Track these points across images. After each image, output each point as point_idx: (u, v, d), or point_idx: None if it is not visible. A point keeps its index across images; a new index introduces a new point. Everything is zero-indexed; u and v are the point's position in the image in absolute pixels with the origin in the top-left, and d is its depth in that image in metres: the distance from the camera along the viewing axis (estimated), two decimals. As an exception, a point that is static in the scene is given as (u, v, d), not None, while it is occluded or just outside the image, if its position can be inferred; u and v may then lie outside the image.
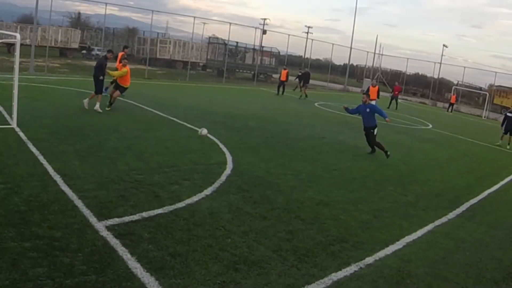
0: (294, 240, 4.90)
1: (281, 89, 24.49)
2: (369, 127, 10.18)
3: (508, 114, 15.37)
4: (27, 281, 3.41)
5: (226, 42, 34.09)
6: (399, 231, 5.64)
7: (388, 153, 9.83)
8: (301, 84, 24.96)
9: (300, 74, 25.72)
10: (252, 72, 35.49)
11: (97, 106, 11.25)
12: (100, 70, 11.46)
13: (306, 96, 24.01)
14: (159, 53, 37.28)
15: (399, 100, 26.34)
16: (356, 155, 10.21)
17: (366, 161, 9.69)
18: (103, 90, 12.62)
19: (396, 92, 25.64)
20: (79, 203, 5.06)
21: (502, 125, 15.75)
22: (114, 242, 4.24)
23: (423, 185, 8.23)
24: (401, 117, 20.99)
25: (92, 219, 4.68)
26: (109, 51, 12.36)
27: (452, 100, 32.00)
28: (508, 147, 15.18)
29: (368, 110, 10.12)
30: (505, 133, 15.31)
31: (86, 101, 11.49)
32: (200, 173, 6.95)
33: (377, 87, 19.80)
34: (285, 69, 24.98)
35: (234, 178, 6.92)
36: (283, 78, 24.54)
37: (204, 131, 9.20)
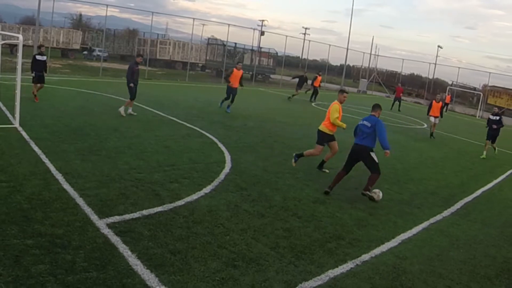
0: (291, 237, 4.98)
1: (313, 95, 23.28)
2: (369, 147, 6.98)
3: (491, 117, 13.26)
4: (30, 277, 3.46)
5: (224, 43, 34.13)
6: (394, 228, 5.73)
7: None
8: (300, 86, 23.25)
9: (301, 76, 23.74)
10: (250, 73, 35.54)
11: (121, 109, 11.22)
12: (130, 76, 11.35)
13: (290, 97, 22.56)
14: (159, 53, 37.37)
15: (402, 102, 25.91)
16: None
17: (363, 160, 9.77)
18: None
19: (400, 94, 25.42)
20: (80, 201, 5.14)
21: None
22: (115, 239, 4.31)
23: (418, 184, 8.32)
24: (397, 116, 21.11)
25: (93, 217, 4.75)
26: (138, 55, 12.18)
27: (447, 100, 32.08)
28: (495, 152, 13.29)
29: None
30: (488, 138, 12.96)
31: (121, 109, 11.31)
32: (199, 171, 7.02)
33: (441, 103, 15.76)
34: (320, 75, 23.95)
35: (232, 176, 7.00)
36: (317, 84, 23.44)
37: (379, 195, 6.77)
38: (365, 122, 6.95)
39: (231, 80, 14.48)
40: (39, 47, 12.39)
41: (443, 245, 5.42)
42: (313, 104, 21.99)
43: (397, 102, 25.07)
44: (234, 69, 14.64)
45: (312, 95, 23.48)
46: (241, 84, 14.67)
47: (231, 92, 14.44)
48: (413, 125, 18.78)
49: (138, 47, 40.87)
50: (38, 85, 11.91)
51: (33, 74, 11.81)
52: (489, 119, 13.31)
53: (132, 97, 11.41)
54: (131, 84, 11.34)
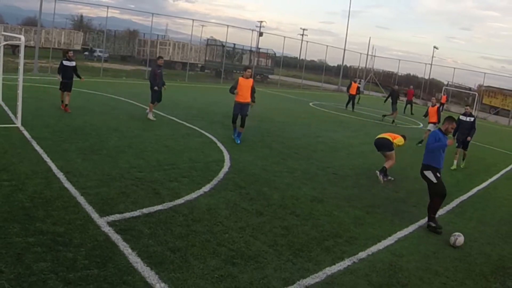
0: (289, 235, 5.04)
1: (350, 104, 20.99)
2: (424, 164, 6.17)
3: (462, 118, 10.50)
4: (31, 275, 3.51)
5: (223, 43, 34.17)
6: (391, 226, 5.79)
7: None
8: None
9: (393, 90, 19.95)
10: (250, 73, 35.46)
11: (150, 115, 11.28)
12: (153, 79, 11.32)
13: (393, 121, 18.40)
14: (159, 54, 37.34)
15: (413, 104, 25.08)
16: (349, 153, 10.39)
17: (360, 159, 9.85)
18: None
19: (411, 96, 24.89)
20: (81, 199, 5.20)
21: (454, 134, 10.26)
22: (116, 237, 4.36)
23: (414, 182, 8.34)
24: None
25: (94, 215, 4.81)
26: (159, 57, 11.97)
27: (443, 100, 32.02)
28: (462, 165, 10.63)
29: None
30: (458, 146, 10.47)
31: (150, 115, 11.33)
32: (198, 170, 7.08)
33: (436, 106, 13.33)
34: (355, 81, 22.10)
35: (231, 175, 7.06)
36: (353, 91, 20.96)
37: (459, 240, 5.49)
38: None
39: (238, 93, 9.71)
40: (66, 52, 11.47)
41: (439, 243, 5.48)
42: (311, 104, 22.03)
43: (409, 105, 24.62)
44: (240, 78, 9.85)
45: (348, 102, 21.16)
46: (253, 99, 9.88)
47: (235, 111, 9.84)
48: (409, 125, 18.84)
49: (138, 48, 41.01)
50: (65, 92, 10.94)
51: (61, 79, 11.10)
52: (460, 121, 10.35)
53: (154, 100, 11.39)
54: (156, 88, 11.30)
